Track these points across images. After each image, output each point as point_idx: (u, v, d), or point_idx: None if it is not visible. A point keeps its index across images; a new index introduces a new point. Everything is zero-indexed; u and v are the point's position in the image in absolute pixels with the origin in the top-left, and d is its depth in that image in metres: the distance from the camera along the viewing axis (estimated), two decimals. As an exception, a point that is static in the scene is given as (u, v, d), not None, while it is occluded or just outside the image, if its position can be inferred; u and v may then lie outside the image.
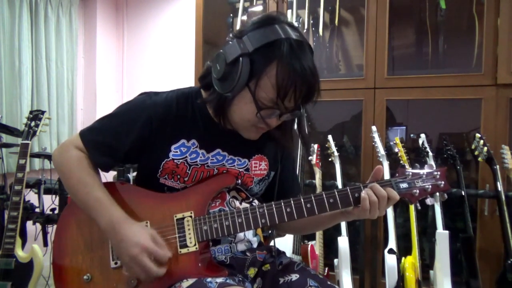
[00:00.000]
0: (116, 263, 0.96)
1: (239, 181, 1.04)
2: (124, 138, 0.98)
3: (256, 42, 0.88)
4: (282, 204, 0.95)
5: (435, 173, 0.97)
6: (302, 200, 0.94)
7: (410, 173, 0.96)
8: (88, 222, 0.98)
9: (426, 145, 2.08)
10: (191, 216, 0.96)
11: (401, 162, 2.06)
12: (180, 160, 1.00)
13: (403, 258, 1.92)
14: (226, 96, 0.93)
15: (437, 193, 0.98)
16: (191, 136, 1.01)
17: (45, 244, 2.12)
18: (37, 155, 2.29)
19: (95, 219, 0.94)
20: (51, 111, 3.06)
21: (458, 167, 2.06)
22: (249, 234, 1.09)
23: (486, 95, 2.12)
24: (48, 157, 2.29)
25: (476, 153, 2.01)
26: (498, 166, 1.93)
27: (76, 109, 3.34)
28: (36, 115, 1.93)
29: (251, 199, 1.10)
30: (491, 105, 2.11)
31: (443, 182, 0.96)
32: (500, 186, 1.89)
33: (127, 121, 0.99)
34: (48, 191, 2.18)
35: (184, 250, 0.94)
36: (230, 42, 0.91)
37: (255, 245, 1.10)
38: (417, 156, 2.23)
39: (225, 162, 1.03)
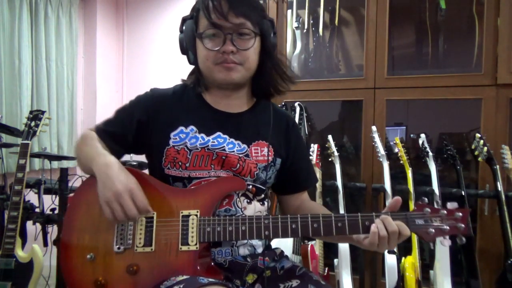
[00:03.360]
0: (119, 248, 0.97)
1: (250, 186, 1.05)
2: (127, 127, 1.08)
3: (191, 9, 1.07)
4: (289, 219, 0.94)
5: (457, 213, 0.90)
6: (309, 219, 0.93)
7: (429, 210, 0.91)
8: (98, 202, 0.99)
9: (426, 145, 2.08)
10: (196, 215, 0.97)
11: (401, 162, 2.06)
12: (180, 146, 1.03)
13: (403, 258, 1.92)
14: (191, 60, 1.08)
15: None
16: (188, 122, 1.06)
17: (45, 244, 2.12)
18: (37, 155, 2.29)
19: (92, 168, 0.99)
20: (51, 111, 3.06)
21: (458, 167, 2.06)
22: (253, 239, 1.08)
23: (486, 95, 2.13)
24: (48, 157, 2.29)
25: (476, 153, 2.01)
26: (498, 166, 1.93)
27: (76, 109, 3.34)
28: (36, 115, 1.92)
29: (263, 196, 1.09)
30: (491, 105, 2.11)
31: (463, 225, 0.89)
32: (500, 186, 1.89)
33: (129, 112, 1.09)
34: (48, 191, 2.17)
35: (184, 248, 0.95)
36: None
37: (259, 250, 1.09)
38: (417, 156, 2.23)
39: (225, 146, 1.04)
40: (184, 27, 1.07)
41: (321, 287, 0.97)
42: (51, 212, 2.18)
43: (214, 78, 1.05)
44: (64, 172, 2.07)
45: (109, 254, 0.97)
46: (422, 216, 0.91)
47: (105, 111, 3.45)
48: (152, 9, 3.55)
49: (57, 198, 2.10)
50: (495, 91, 2.10)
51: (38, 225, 2.15)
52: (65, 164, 2.89)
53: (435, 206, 0.93)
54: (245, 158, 1.05)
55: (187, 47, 1.06)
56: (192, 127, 1.05)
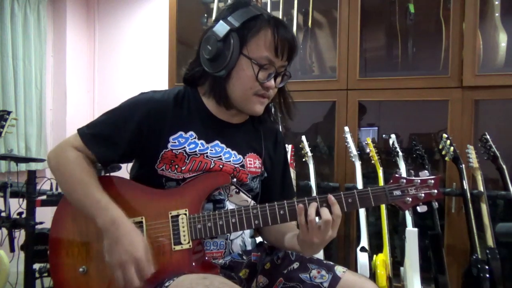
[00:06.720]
0: None
1: (235, 179, 1.07)
2: (122, 131, 1.01)
3: (240, 18, 0.99)
4: (276, 206, 0.98)
5: (429, 181, 0.97)
6: (295, 202, 0.97)
7: (404, 181, 0.97)
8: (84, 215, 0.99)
9: (396, 145, 2.14)
10: (185, 214, 0.98)
11: (372, 161, 2.11)
12: (179, 150, 1.02)
13: (374, 256, 1.96)
14: (221, 74, 1.00)
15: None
16: (188, 128, 1.05)
17: (12, 249, 2.04)
18: (3, 157, 2.21)
19: (92, 217, 0.94)
20: (18, 111, 2.96)
21: (427, 166, 2.12)
22: (246, 235, 1.11)
23: (453, 97, 2.20)
24: (15, 159, 2.21)
25: (443, 152, 2.07)
26: (464, 165, 2.00)
27: (45, 110, 3.24)
28: (1, 116, 1.86)
29: (250, 196, 1.12)
30: (457, 106, 2.19)
31: (436, 191, 0.97)
32: (465, 185, 1.97)
33: (125, 115, 1.03)
34: (15, 195, 2.10)
35: (177, 247, 0.97)
36: (213, 27, 1.01)
37: (249, 247, 1.11)
38: (388, 156, 2.29)
39: (222, 155, 1.06)
40: (230, 39, 0.98)
41: (318, 262, 1.05)
42: (18, 216, 2.11)
43: (244, 106, 1.05)
44: (32, 175, 2.00)
45: (102, 264, 0.96)
46: (398, 187, 0.96)
47: (76, 111, 3.36)
48: (124, 6, 3.49)
49: (25, 201, 2.04)
50: (460, 93, 2.18)
51: (4, 230, 2.08)
52: (33, 166, 2.80)
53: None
54: (240, 168, 1.07)
55: (228, 61, 0.98)
56: (191, 132, 1.05)
